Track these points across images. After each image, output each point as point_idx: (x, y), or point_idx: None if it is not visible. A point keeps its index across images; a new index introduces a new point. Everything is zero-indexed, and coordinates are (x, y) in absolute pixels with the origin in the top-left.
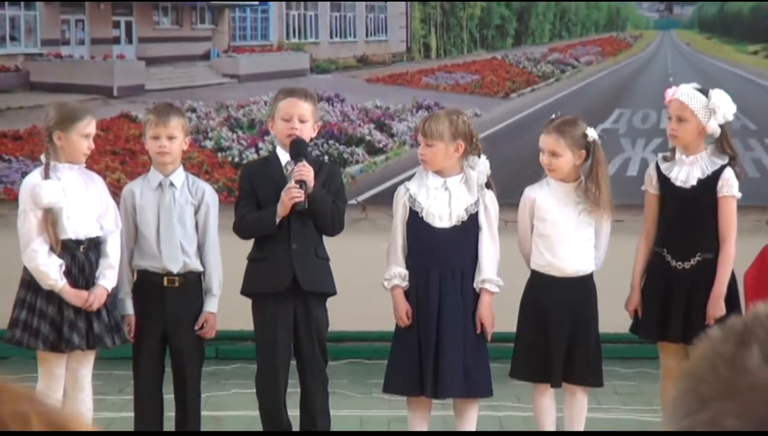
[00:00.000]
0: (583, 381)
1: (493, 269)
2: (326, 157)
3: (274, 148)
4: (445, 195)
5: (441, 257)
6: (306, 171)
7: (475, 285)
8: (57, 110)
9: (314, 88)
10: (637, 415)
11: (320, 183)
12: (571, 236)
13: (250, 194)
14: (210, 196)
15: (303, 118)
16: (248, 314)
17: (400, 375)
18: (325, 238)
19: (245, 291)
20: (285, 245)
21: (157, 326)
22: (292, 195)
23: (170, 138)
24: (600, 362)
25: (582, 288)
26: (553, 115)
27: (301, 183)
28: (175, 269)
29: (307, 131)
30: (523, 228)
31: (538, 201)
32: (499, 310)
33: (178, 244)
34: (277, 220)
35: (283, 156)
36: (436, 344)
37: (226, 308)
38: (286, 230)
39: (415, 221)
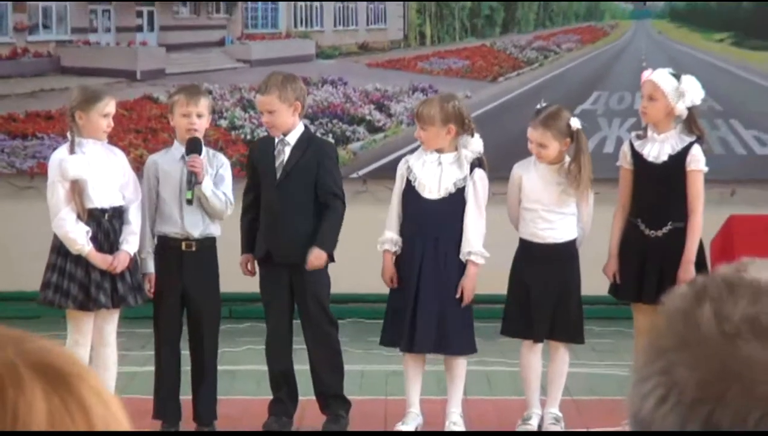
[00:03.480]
0: (565, 338)
1: (478, 242)
2: (330, 135)
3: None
4: (437, 169)
5: (426, 226)
6: (196, 163)
7: (461, 257)
8: (79, 92)
9: (319, 72)
10: (612, 370)
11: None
12: (553, 209)
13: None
14: (226, 167)
15: (269, 109)
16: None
17: (394, 330)
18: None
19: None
20: (267, 218)
21: (176, 287)
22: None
23: (199, 116)
24: (581, 321)
25: (564, 255)
26: (538, 106)
27: (191, 174)
28: (196, 233)
29: (280, 119)
30: (511, 199)
31: (524, 180)
32: (487, 274)
33: (199, 211)
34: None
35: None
36: (414, 304)
37: (239, 272)
38: (271, 206)
39: (409, 191)
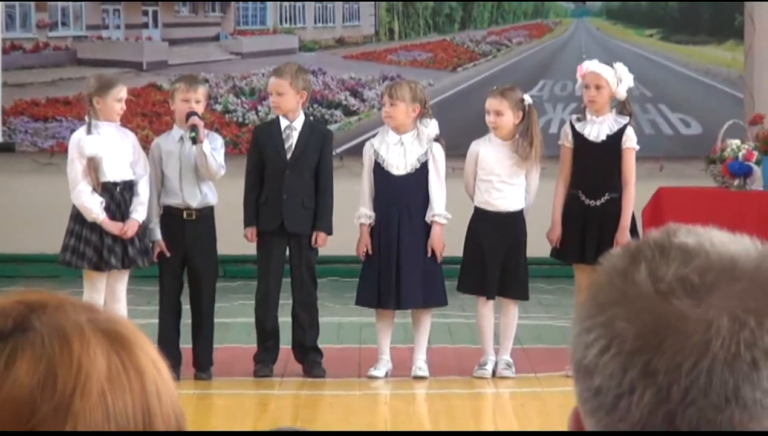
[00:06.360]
0: (513, 295)
1: (441, 205)
2: (311, 118)
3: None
4: (401, 149)
5: (399, 198)
6: (195, 120)
7: (427, 219)
8: (96, 80)
9: (301, 64)
10: (556, 321)
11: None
12: (506, 181)
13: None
14: (220, 143)
15: (279, 91)
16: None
17: (368, 292)
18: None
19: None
20: (278, 194)
21: (179, 250)
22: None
23: (197, 102)
24: (526, 280)
25: (513, 222)
26: (494, 87)
27: (193, 127)
28: (194, 203)
29: (286, 102)
30: (467, 173)
31: (481, 154)
32: (448, 238)
33: (196, 184)
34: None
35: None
36: (397, 267)
37: (232, 237)
38: (280, 183)
39: (379, 170)
